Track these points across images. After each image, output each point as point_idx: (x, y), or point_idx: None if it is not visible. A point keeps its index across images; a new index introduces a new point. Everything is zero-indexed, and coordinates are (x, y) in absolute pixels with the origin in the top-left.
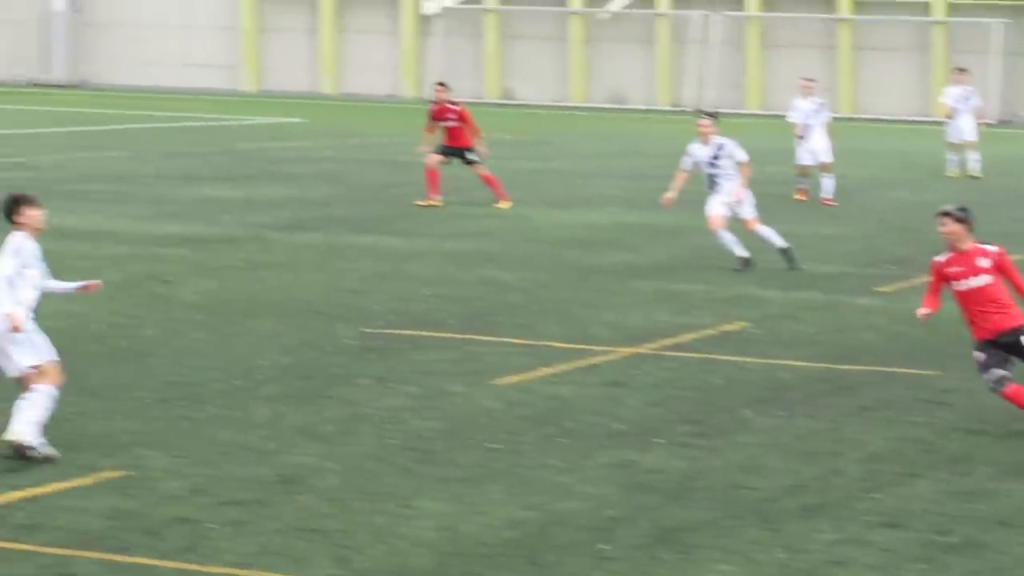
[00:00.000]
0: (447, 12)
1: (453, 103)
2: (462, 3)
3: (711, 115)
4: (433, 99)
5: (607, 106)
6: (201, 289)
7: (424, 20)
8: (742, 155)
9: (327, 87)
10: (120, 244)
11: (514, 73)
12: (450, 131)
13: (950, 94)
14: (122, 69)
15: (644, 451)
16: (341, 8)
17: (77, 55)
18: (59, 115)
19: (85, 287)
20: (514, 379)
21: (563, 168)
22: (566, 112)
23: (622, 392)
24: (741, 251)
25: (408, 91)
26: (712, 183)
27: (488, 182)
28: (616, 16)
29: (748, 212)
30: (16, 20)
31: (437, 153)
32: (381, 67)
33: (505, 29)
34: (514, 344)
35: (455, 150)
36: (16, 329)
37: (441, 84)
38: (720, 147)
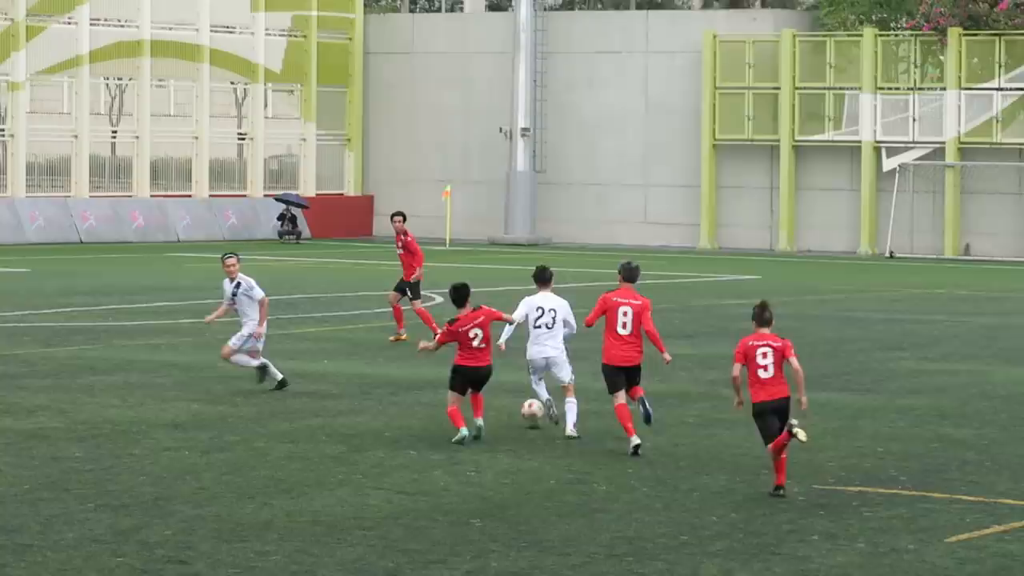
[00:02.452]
0: (906, 168)
1: (406, 232)
2: (921, 159)
3: None
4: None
5: None
6: (652, 445)
7: (883, 176)
8: None
9: (783, 243)
10: (579, 401)
11: (973, 228)
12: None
13: None
14: (581, 227)
15: None
16: (800, 166)
17: (538, 214)
18: (516, 272)
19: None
20: (965, 537)
21: (1021, 324)
22: None
23: None
24: None
25: (865, 247)
26: None
27: (423, 318)
28: None
29: None
30: (483, 181)
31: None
32: (838, 223)
33: (964, 184)
34: (967, 501)
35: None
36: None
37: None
38: None
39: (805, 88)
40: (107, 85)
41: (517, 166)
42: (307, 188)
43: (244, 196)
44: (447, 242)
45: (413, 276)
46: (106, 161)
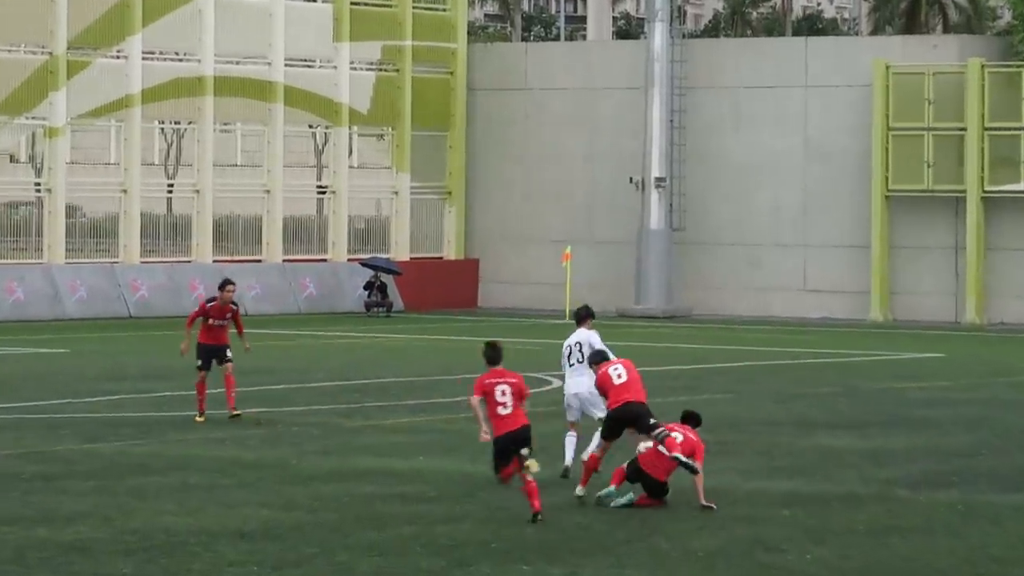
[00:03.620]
0: None
1: (235, 303)
2: None
3: None
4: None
5: None
6: (815, 557)
7: None
8: None
9: (971, 314)
10: (724, 503)
11: None
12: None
13: None
14: (728, 296)
15: None
16: (990, 221)
17: (675, 280)
18: (653, 351)
19: None
20: None
21: None
22: None
23: None
24: None
25: None
26: None
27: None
28: None
29: None
30: (610, 241)
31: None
32: None
33: None
34: None
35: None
36: None
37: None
38: None
39: (996, 129)
40: (162, 130)
41: (651, 223)
42: (399, 251)
43: (324, 261)
44: (567, 314)
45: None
46: (161, 220)
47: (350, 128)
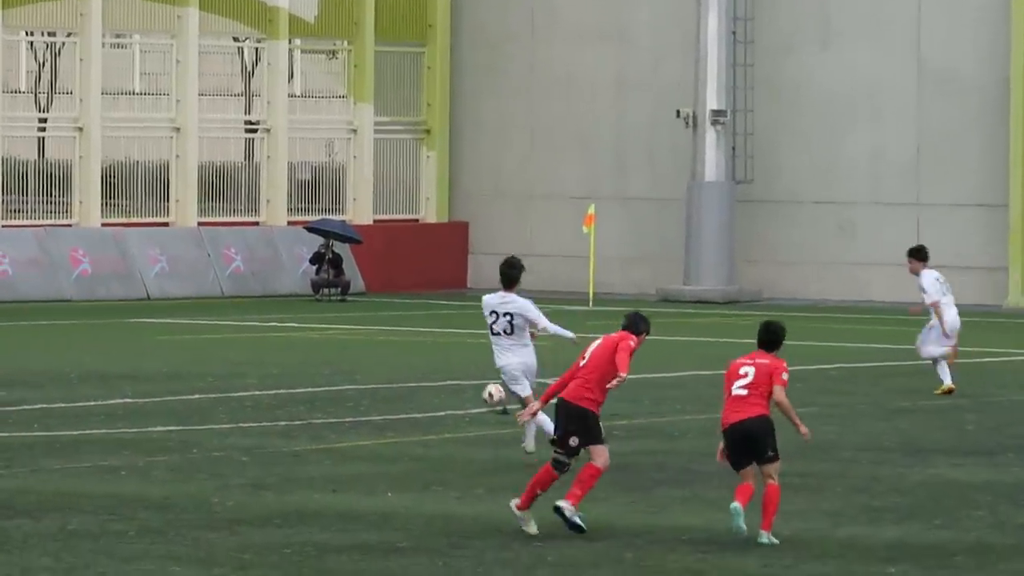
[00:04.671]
0: None
1: None
2: None
3: None
4: None
5: None
6: None
7: None
8: None
9: None
10: (807, 554)
11: None
12: None
13: None
14: (811, 273)
15: None
16: None
17: (739, 252)
18: (709, 351)
19: None
20: None
21: None
22: None
23: None
24: None
25: None
26: None
27: None
28: None
29: None
30: (650, 198)
31: None
32: None
33: None
34: None
35: None
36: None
37: None
38: None
39: None
40: (30, 45)
41: (705, 174)
42: (359, 212)
43: (256, 224)
44: (590, 299)
45: None
46: (29, 168)
47: (290, 42)
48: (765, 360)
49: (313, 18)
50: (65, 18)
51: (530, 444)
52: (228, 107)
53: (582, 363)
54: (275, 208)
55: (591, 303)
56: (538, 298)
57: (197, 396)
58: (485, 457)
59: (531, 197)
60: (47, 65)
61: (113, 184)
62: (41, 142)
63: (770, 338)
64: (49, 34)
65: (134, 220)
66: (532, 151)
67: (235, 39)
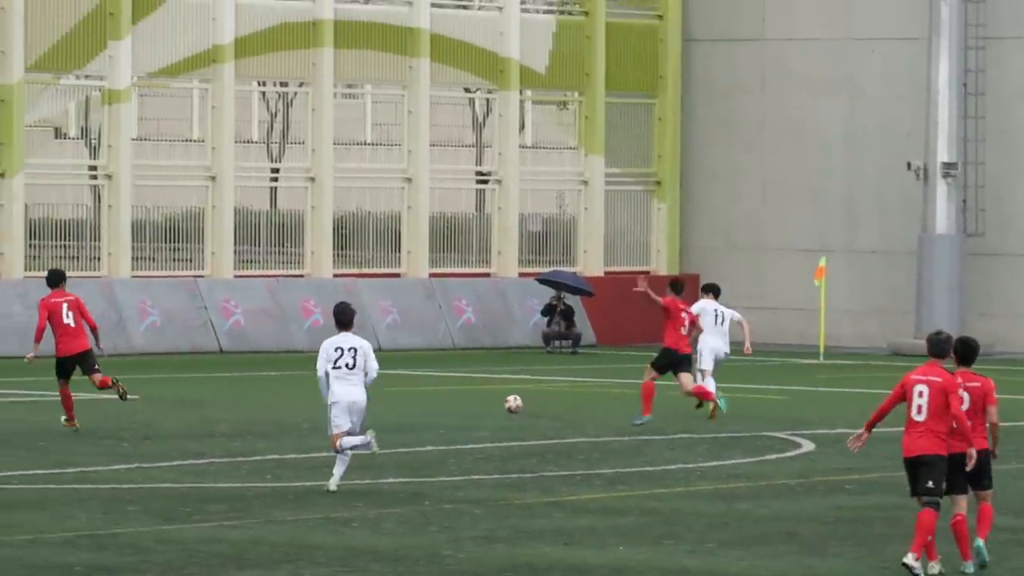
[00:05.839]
0: None
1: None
2: None
3: None
4: None
5: None
6: None
7: None
8: None
9: None
10: None
11: None
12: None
13: None
14: None
15: None
16: None
17: (970, 305)
18: None
19: None
20: None
21: None
22: None
23: None
24: None
25: None
26: None
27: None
28: None
29: None
30: (880, 250)
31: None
32: None
33: None
34: None
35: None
36: None
37: None
38: None
39: None
40: (263, 95)
41: (936, 226)
42: (590, 263)
43: (487, 276)
44: (820, 351)
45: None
46: (262, 218)
47: (521, 93)
48: (976, 383)
49: (544, 69)
50: (297, 68)
51: (334, 483)
52: (459, 158)
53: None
54: (506, 259)
55: (821, 356)
56: (768, 351)
57: (429, 448)
58: (716, 511)
59: (762, 249)
60: (279, 115)
61: (344, 235)
62: (273, 192)
63: (969, 353)
64: (281, 84)
65: (365, 271)
66: (763, 203)
67: (466, 90)
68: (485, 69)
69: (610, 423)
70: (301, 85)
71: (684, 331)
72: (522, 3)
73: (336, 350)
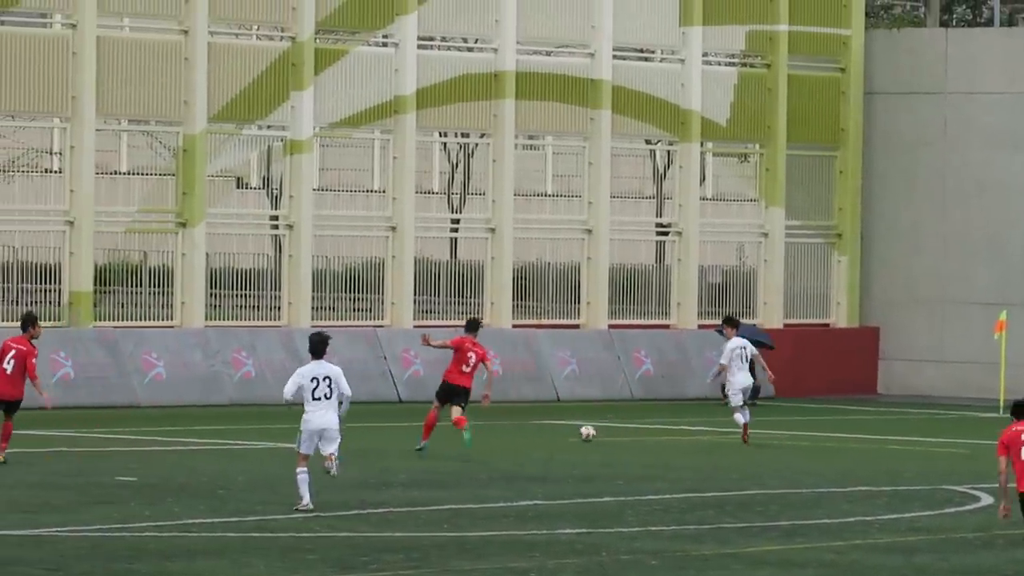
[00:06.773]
0: None
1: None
2: None
3: None
4: None
5: None
6: None
7: None
8: None
9: None
10: None
11: None
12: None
13: None
14: None
15: None
16: None
17: None
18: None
19: None
20: None
21: None
22: None
23: None
24: None
25: None
26: None
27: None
28: None
29: None
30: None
31: None
32: None
33: None
34: None
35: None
36: None
37: None
38: None
39: None
40: (444, 146)
41: None
42: (770, 315)
43: (666, 327)
44: (1000, 406)
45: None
46: (442, 269)
47: (702, 145)
48: None
49: (725, 121)
50: (479, 119)
51: (306, 499)
52: (639, 209)
53: None
54: (685, 311)
55: (1001, 410)
56: (948, 404)
57: (607, 499)
58: (895, 564)
59: (942, 302)
60: (460, 166)
61: (524, 285)
62: (453, 243)
63: None
64: (462, 135)
65: (544, 322)
66: (944, 256)
67: (647, 141)
68: (666, 121)
69: (788, 475)
70: (482, 136)
71: (467, 368)
72: (704, 55)
73: (312, 380)
